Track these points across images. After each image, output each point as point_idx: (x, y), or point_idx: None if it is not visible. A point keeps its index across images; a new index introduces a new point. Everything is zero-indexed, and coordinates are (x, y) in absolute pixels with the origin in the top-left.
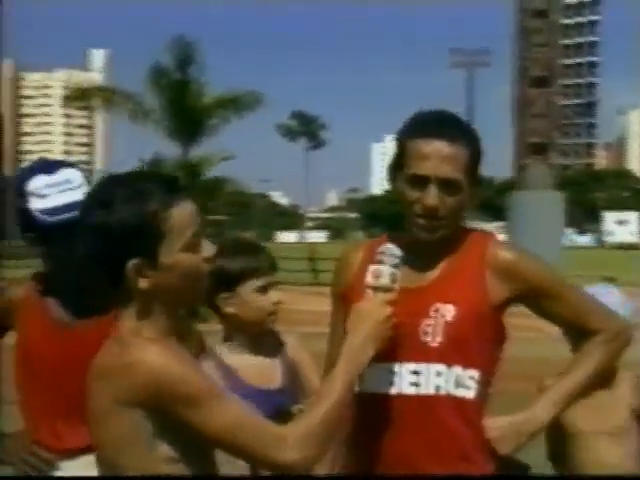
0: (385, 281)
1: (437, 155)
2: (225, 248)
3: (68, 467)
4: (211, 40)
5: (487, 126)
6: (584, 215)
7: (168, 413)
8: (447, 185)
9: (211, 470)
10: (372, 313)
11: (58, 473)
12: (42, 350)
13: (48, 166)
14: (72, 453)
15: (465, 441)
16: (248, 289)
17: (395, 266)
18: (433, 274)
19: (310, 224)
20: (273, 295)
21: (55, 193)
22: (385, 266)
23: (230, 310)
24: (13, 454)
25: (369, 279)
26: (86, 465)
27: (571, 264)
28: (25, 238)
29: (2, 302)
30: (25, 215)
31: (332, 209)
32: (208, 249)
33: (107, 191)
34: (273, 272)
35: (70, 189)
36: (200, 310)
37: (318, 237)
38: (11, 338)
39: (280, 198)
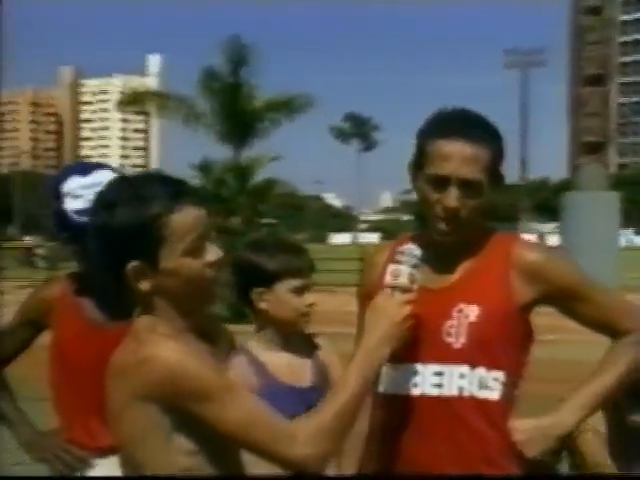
0: (403, 281)
1: (458, 156)
2: (267, 245)
3: (101, 465)
4: (263, 42)
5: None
6: None
7: (183, 407)
8: (468, 186)
9: (234, 463)
10: (389, 312)
11: (91, 471)
12: (76, 349)
13: (83, 168)
14: (105, 451)
15: (489, 443)
16: (284, 288)
17: (414, 266)
18: (456, 275)
19: (363, 226)
20: (308, 297)
21: (89, 194)
22: (404, 266)
23: (263, 306)
24: (47, 451)
25: (388, 278)
26: (118, 463)
27: (628, 265)
28: (60, 238)
29: (38, 301)
30: (60, 215)
31: (386, 210)
32: (213, 254)
33: (112, 193)
34: (311, 275)
35: None
36: (246, 311)
37: (371, 239)
38: (46, 337)
39: (333, 200)
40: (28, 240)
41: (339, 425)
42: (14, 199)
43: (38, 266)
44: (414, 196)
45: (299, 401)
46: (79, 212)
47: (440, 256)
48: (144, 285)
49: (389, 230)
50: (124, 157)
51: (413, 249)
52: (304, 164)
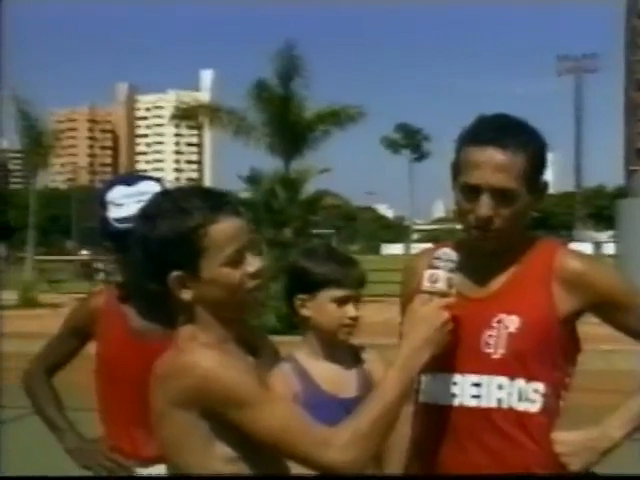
0: (441, 286)
1: (489, 164)
2: (319, 253)
3: (143, 474)
4: (313, 53)
5: (598, 133)
6: None
7: (220, 414)
8: (501, 195)
9: (276, 468)
10: (428, 317)
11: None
12: (121, 358)
13: (128, 178)
14: (147, 461)
15: (529, 455)
16: (326, 296)
17: (451, 271)
18: (496, 284)
19: (416, 236)
20: (351, 309)
21: (131, 203)
22: (441, 270)
23: (305, 313)
24: (92, 459)
25: (425, 283)
26: (162, 473)
27: None
28: (104, 247)
29: (84, 311)
30: (103, 223)
31: (438, 220)
32: (253, 264)
33: (154, 206)
34: (359, 287)
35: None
36: (297, 322)
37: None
38: (92, 347)
39: (386, 210)
40: (85, 254)
41: (375, 431)
42: (72, 214)
43: (96, 279)
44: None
45: (342, 411)
46: (121, 220)
47: (480, 265)
48: (186, 294)
49: (442, 240)
50: (178, 170)
51: (450, 253)
52: (356, 175)
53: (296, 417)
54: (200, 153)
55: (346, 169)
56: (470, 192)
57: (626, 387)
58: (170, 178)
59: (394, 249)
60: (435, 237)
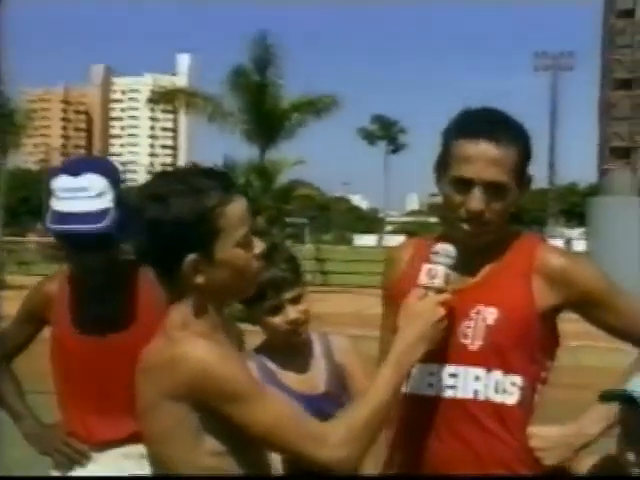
0: (439, 282)
1: (482, 157)
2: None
3: (99, 459)
4: (291, 41)
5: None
6: None
7: (212, 408)
8: (493, 188)
9: (261, 464)
10: (425, 313)
11: (91, 464)
12: (73, 344)
13: (75, 167)
14: (102, 446)
15: (505, 447)
16: (259, 310)
17: (450, 267)
18: (477, 276)
19: (390, 228)
20: (289, 313)
21: (69, 199)
22: (440, 266)
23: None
24: (49, 444)
25: (423, 278)
26: (116, 457)
27: None
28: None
29: (39, 296)
30: (47, 213)
31: (412, 213)
32: (259, 246)
33: (162, 186)
34: (292, 287)
35: (86, 197)
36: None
37: (397, 241)
38: (47, 331)
39: (360, 201)
40: None
41: (369, 428)
42: (43, 196)
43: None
44: (441, 199)
45: (310, 409)
46: (55, 216)
47: (462, 257)
48: (200, 279)
49: (415, 232)
50: (153, 155)
51: (449, 249)
52: (331, 165)
53: (289, 412)
54: (175, 138)
55: (321, 159)
56: (461, 185)
57: (594, 383)
58: (144, 162)
59: (367, 240)
60: (408, 230)
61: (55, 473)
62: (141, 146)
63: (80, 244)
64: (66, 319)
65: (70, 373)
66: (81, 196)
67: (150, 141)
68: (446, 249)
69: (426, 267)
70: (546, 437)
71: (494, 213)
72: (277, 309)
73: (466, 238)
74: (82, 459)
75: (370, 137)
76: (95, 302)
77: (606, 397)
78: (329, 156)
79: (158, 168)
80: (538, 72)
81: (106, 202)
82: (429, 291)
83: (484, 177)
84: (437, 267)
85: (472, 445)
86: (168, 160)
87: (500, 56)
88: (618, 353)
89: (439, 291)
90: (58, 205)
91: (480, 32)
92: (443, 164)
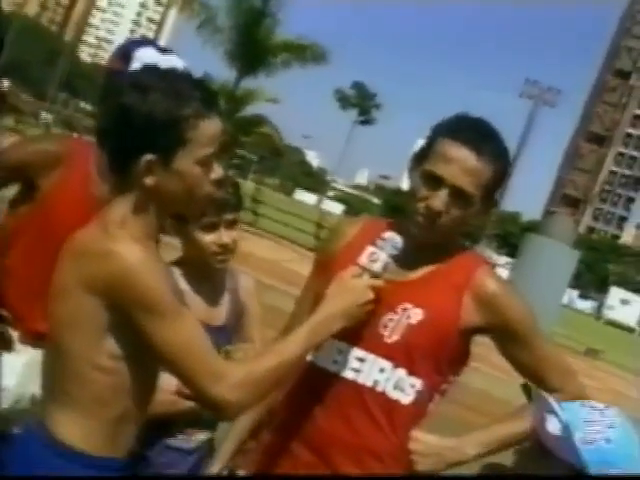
0: (378, 267)
1: (461, 162)
2: None
3: (29, 352)
4: None
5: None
6: (593, 282)
7: (125, 312)
8: (459, 196)
9: (152, 380)
10: (355, 291)
11: (11, 355)
12: (71, 221)
13: (161, 47)
14: (30, 337)
15: (384, 441)
16: (192, 225)
17: (391, 256)
18: (415, 274)
19: (332, 193)
20: (223, 236)
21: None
22: (384, 254)
23: (180, 239)
24: None
25: (364, 259)
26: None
27: (562, 323)
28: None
29: (35, 152)
30: (116, 75)
31: (358, 187)
32: (217, 172)
33: (147, 79)
34: (233, 212)
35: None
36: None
37: (335, 208)
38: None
39: (313, 158)
40: (6, 83)
41: (267, 380)
42: (6, 40)
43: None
44: (388, 183)
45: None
46: None
47: (408, 251)
48: (149, 180)
49: (355, 207)
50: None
51: (396, 240)
52: (298, 115)
53: (199, 341)
54: (157, 32)
55: (291, 105)
56: (430, 181)
57: (478, 406)
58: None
59: (307, 197)
60: (349, 201)
61: None
62: (121, 27)
63: None
64: (74, 190)
65: (49, 249)
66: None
67: (131, 26)
68: (394, 239)
69: (370, 250)
70: (426, 444)
71: (450, 218)
72: (212, 227)
73: (416, 230)
74: (3, 345)
75: (344, 101)
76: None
77: (527, 391)
78: (299, 105)
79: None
80: (522, 98)
81: None
82: (365, 273)
83: (455, 181)
84: (380, 253)
85: (355, 429)
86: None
87: (495, 71)
88: (506, 383)
89: (374, 276)
90: None
91: (485, 45)
92: (422, 156)
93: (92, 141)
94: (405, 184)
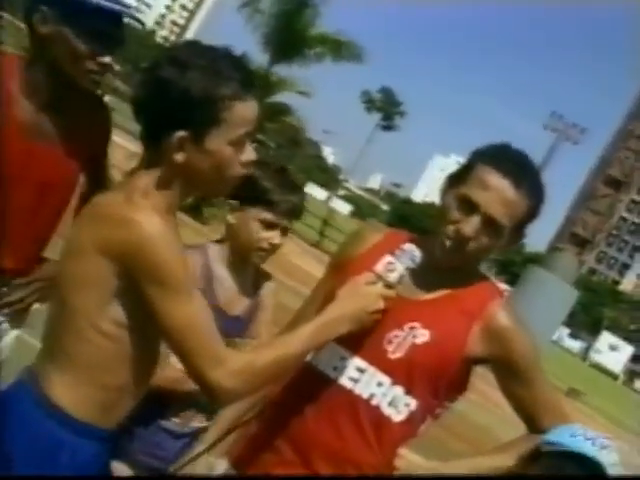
0: (393, 278)
1: (499, 192)
2: (270, 167)
3: None
4: None
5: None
6: (585, 323)
7: (135, 280)
8: (490, 224)
9: (153, 353)
10: (366, 298)
11: None
12: (18, 149)
13: None
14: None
15: (369, 453)
16: (255, 214)
17: (407, 269)
18: (428, 295)
19: (342, 192)
20: (276, 236)
21: None
22: (400, 264)
23: (230, 219)
24: None
25: (380, 268)
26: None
27: (549, 359)
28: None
29: None
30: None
31: (369, 190)
32: (249, 154)
33: (187, 55)
34: (291, 218)
35: None
36: (204, 211)
37: (343, 207)
38: None
39: (329, 155)
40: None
41: (265, 373)
42: None
43: None
44: (399, 191)
45: (221, 326)
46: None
47: (425, 270)
48: (179, 156)
49: (363, 209)
50: (168, 8)
51: (415, 253)
52: (322, 109)
53: (204, 323)
54: (198, 4)
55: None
56: (465, 205)
57: (463, 434)
58: (156, 12)
59: (317, 192)
60: (358, 204)
61: None
62: (153, 7)
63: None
64: (16, 120)
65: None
66: None
67: (162, 11)
68: (413, 252)
69: (388, 259)
70: (411, 463)
71: (478, 245)
72: (272, 226)
73: (441, 253)
74: None
75: (369, 103)
76: (49, 110)
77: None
78: (324, 98)
79: (166, 24)
80: (546, 130)
81: None
82: (379, 281)
83: (489, 210)
84: (397, 264)
85: (341, 437)
86: (179, 21)
87: (523, 98)
88: (486, 409)
89: (388, 286)
90: None
91: (517, 70)
92: (459, 178)
93: (19, 56)
94: (415, 195)
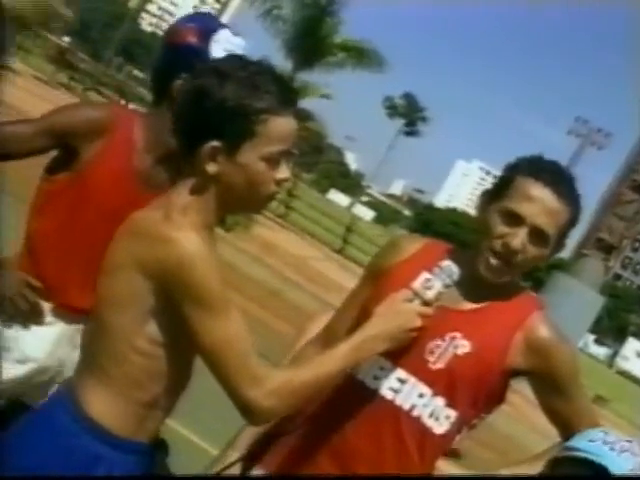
0: (431, 295)
1: (543, 202)
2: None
3: (56, 324)
4: None
5: None
6: (611, 330)
7: (174, 299)
8: (537, 235)
9: (186, 372)
10: (403, 316)
11: (42, 328)
12: (110, 194)
13: (230, 27)
14: (68, 312)
15: (409, 465)
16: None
17: (446, 286)
18: (469, 305)
19: (365, 198)
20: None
21: (231, 51)
22: (438, 281)
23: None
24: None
25: (417, 285)
26: (76, 330)
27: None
28: (162, 71)
29: (80, 120)
30: (191, 52)
31: (391, 196)
32: (284, 172)
33: (228, 66)
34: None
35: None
36: (227, 218)
37: (365, 213)
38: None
39: (351, 161)
40: (66, 41)
41: (303, 392)
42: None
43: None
44: (421, 197)
45: None
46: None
47: (468, 280)
48: (211, 167)
49: (385, 215)
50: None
51: (453, 270)
52: (344, 115)
53: (243, 341)
54: (221, 12)
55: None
56: (509, 219)
57: (491, 444)
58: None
59: (340, 198)
60: (380, 210)
61: None
62: (186, 0)
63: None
64: (117, 163)
65: (84, 222)
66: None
67: (195, 2)
68: (451, 269)
69: (425, 276)
70: (449, 475)
71: (526, 257)
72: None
73: (487, 270)
74: (34, 317)
75: (392, 109)
76: (165, 163)
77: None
78: (346, 104)
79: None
80: (570, 136)
81: None
82: (417, 298)
83: (536, 221)
84: (435, 281)
85: (383, 448)
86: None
87: (546, 103)
88: (519, 424)
89: (426, 303)
90: (219, 53)
91: (541, 75)
92: (497, 193)
93: (138, 110)
94: (438, 200)
